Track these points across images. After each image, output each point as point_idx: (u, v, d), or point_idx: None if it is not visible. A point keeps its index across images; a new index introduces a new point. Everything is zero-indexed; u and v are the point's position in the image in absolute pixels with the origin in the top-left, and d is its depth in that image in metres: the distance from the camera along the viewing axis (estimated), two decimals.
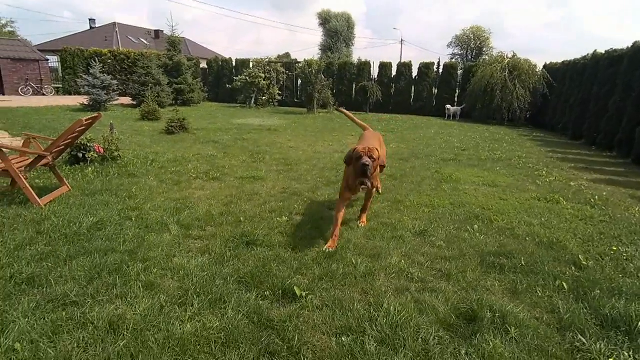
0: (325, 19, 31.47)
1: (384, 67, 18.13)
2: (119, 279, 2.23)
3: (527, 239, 3.27)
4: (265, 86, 17.08)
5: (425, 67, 17.47)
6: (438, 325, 2.01)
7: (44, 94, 18.60)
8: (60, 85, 19.82)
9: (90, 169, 4.64)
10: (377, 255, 2.79)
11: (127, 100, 15.42)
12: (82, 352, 1.64)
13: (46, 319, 1.83)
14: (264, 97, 17.01)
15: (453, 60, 32.45)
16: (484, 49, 37.59)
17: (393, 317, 2.02)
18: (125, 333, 1.77)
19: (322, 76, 16.14)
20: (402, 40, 41.12)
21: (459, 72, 17.69)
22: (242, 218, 3.38)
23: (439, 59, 18.30)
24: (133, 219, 3.19)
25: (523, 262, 2.77)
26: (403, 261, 2.71)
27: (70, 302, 1.98)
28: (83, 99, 12.45)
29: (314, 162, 5.99)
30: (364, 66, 18.26)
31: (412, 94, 18.06)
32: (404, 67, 17.91)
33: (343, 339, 1.85)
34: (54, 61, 21.31)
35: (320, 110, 16.02)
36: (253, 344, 1.77)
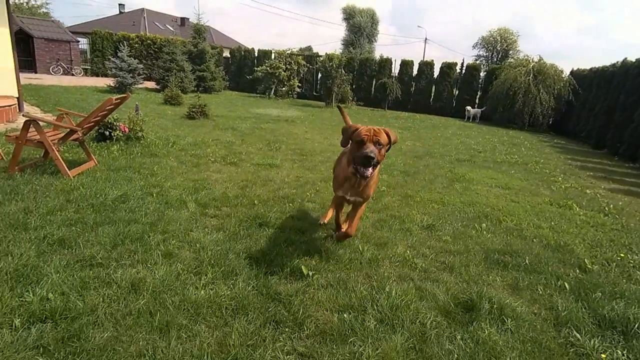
0: (350, 14, 31.21)
1: (405, 65, 17.94)
2: (140, 247, 2.39)
3: (534, 240, 3.29)
4: (286, 78, 17.19)
5: (447, 67, 17.21)
6: (437, 311, 2.09)
7: (73, 74, 19.25)
8: (89, 67, 20.46)
9: (115, 146, 4.86)
10: (383, 244, 2.88)
11: (151, 84, 15.81)
12: (107, 306, 1.80)
13: (75, 276, 2.01)
14: (283, 89, 17.12)
15: (477, 61, 31.73)
16: (511, 52, 36.55)
17: (394, 300, 2.11)
18: (145, 294, 1.93)
19: (343, 71, 16.13)
20: (425, 39, 40.46)
21: (482, 73, 17.36)
22: (256, 201, 3.51)
23: (463, 60, 17.99)
24: (154, 194, 3.37)
25: (527, 261, 2.81)
26: (408, 251, 2.79)
27: (96, 264, 2.16)
28: (110, 81, 12.86)
29: (328, 154, 6.07)
30: (385, 63, 18.12)
31: (432, 94, 17.84)
32: (426, 65, 17.69)
33: (345, 315, 1.95)
34: (83, 43, 21.97)
35: (338, 105, 16.03)
36: (261, 312, 1.90)
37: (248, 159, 5.20)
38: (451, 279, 2.47)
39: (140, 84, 13.61)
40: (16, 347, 1.49)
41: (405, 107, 17.72)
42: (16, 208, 2.74)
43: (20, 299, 1.77)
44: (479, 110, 16.05)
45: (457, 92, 17.55)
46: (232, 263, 2.32)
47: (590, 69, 13.13)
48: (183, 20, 38.01)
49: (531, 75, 14.07)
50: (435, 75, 17.64)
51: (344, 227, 2.73)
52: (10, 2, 6.65)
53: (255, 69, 18.01)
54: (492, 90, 15.13)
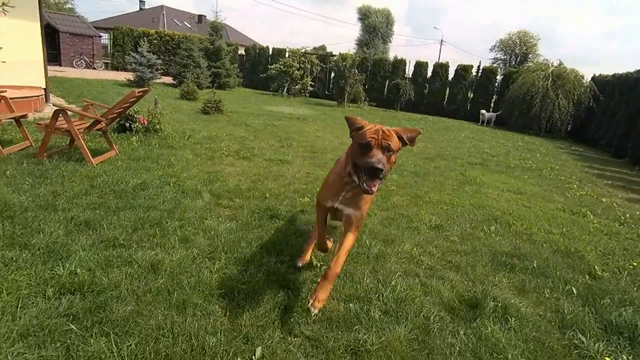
0: (365, 14, 31.18)
1: (420, 66, 17.88)
2: (159, 231, 2.53)
3: (544, 245, 3.31)
4: (299, 76, 17.34)
5: (463, 70, 17.08)
6: (441, 307, 2.15)
7: (94, 68, 19.85)
8: (109, 61, 21.03)
9: (134, 137, 5.06)
10: (390, 241, 2.95)
11: (168, 79, 16.17)
12: (129, 283, 1.93)
13: (100, 254, 2.15)
14: (296, 87, 17.28)
15: (494, 64, 31.29)
16: (530, 56, 35.92)
17: (399, 293, 2.19)
18: (163, 274, 2.06)
19: (356, 71, 16.18)
20: (441, 41, 40.05)
21: (499, 77, 17.16)
22: (267, 194, 3.63)
23: (480, 62, 17.79)
24: (171, 184, 3.52)
25: (535, 265, 2.84)
26: (415, 249, 2.85)
27: (119, 244, 2.30)
28: (129, 75, 13.23)
29: (338, 152, 6.16)
30: (399, 64, 18.09)
31: (446, 96, 17.74)
32: (440, 67, 17.59)
33: (351, 305, 2.04)
34: (105, 38, 22.60)
35: (350, 105, 16.09)
36: (270, 297, 2.00)
37: (260, 154, 5.33)
38: (457, 278, 2.52)
39: (158, 78, 13.95)
40: (49, 314, 1.64)
41: (418, 109, 17.65)
42: (46, 191, 2.92)
43: (52, 272, 1.92)
44: (494, 114, 15.87)
45: (472, 95, 17.40)
46: (244, 251, 2.44)
47: (613, 74, 12.86)
48: (200, 17, 38.64)
49: (550, 79, 13.86)
50: (449, 78, 17.52)
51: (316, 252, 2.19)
52: None
53: (269, 66, 18.22)
54: (509, 94, 14.95)
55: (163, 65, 15.22)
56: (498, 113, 15.77)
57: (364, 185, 1.63)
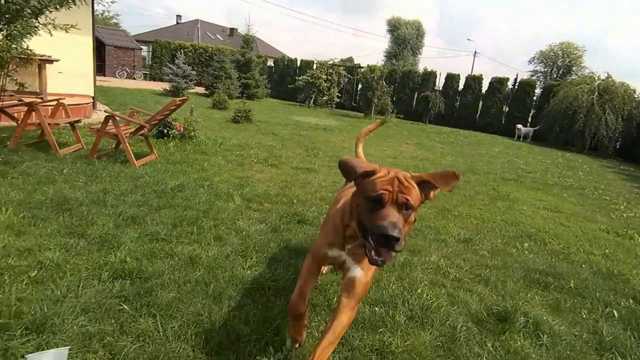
0: (395, 26, 31.51)
1: (451, 78, 17.80)
2: (196, 229, 2.77)
3: (583, 265, 3.24)
4: (326, 88, 17.75)
5: (498, 82, 16.83)
6: (468, 317, 2.20)
7: (134, 78, 21.33)
8: (148, 72, 22.50)
9: (172, 143, 5.46)
10: (416, 251, 3.03)
11: (200, 89, 17.06)
12: (171, 273, 2.15)
13: (145, 246, 2.40)
14: (323, 98, 17.66)
15: (533, 77, 30.44)
16: (574, 68, 34.62)
17: (425, 301, 2.26)
18: (201, 267, 2.26)
19: (384, 82, 16.36)
20: (475, 52, 39.46)
21: (537, 90, 16.75)
22: (294, 200, 3.82)
23: (516, 75, 17.46)
24: (205, 187, 3.80)
25: (572, 285, 2.80)
26: (442, 261, 2.91)
27: (161, 239, 2.55)
28: (166, 85, 14.12)
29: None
30: (429, 76, 18.10)
31: (479, 110, 17.48)
32: (473, 80, 17.43)
33: (376, 308, 2.14)
34: (144, 50, 24.26)
35: (377, 116, 16.23)
36: None
37: (287, 162, 5.57)
38: (485, 291, 2.55)
39: (192, 88, 14.79)
40: (105, 295, 1.87)
41: (448, 122, 17.49)
42: (97, 188, 3.27)
43: (105, 259, 2.18)
44: (532, 129, 15.44)
45: (507, 109, 17.04)
46: (273, 251, 2.61)
47: None
48: (232, 30, 40.52)
49: (596, 93, 13.38)
50: (483, 90, 17.29)
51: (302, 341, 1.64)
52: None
53: (297, 78, 18.78)
54: (548, 108, 14.54)
55: (196, 76, 16.10)
56: (536, 128, 15.33)
57: (372, 254, 1.21)
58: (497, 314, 2.28)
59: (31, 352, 1.47)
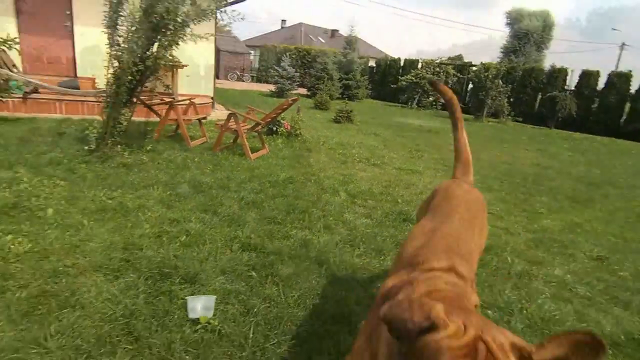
0: (516, 19, 28.57)
1: (587, 76, 15.39)
2: (306, 217, 3.10)
3: None
4: (431, 88, 17.15)
5: None
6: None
7: (243, 81, 24.03)
8: (255, 74, 25.09)
9: (280, 140, 6.08)
10: (537, 262, 2.83)
11: (303, 90, 18.28)
12: (288, 252, 2.49)
13: (264, 227, 2.82)
14: (428, 99, 17.12)
15: None
16: None
17: (546, 312, 2.14)
18: (313, 250, 2.55)
19: (500, 82, 15.05)
20: (622, 45, 33.06)
21: None
22: (399, 200, 3.90)
23: None
24: (312, 181, 4.16)
25: None
26: (569, 276, 2.66)
27: (277, 222, 2.94)
28: (271, 87, 15.57)
29: (475, 167, 5.97)
30: (558, 73, 15.96)
31: (625, 113, 14.73)
32: (618, 77, 14.77)
33: (489, 312, 2.11)
34: (252, 54, 27.11)
35: (490, 119, 15.03)
36: None
37: (390, 163, 5.65)
38: (624, 315, 2.27)
39: (295, 90, 15.96)
40: (236, 262, 2.29)
41: (580, 127, 15.14)
42: (221, 175, 3.91)
43: (234, 234, 2.64)
44: None
45: None
46: (380, 244, 2.76)
47: None
48: (333, 32, 42.20)
49: None
50: (631, 90, 14.53)
51: None
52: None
53: (400, 77, 18.58)
54: None
55: (299, 77, 17.31)
56: None
57: None
58: (638, 340, 2.02)
59: (188, 296, 1.91)
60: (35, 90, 7.08)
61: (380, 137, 8.03)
